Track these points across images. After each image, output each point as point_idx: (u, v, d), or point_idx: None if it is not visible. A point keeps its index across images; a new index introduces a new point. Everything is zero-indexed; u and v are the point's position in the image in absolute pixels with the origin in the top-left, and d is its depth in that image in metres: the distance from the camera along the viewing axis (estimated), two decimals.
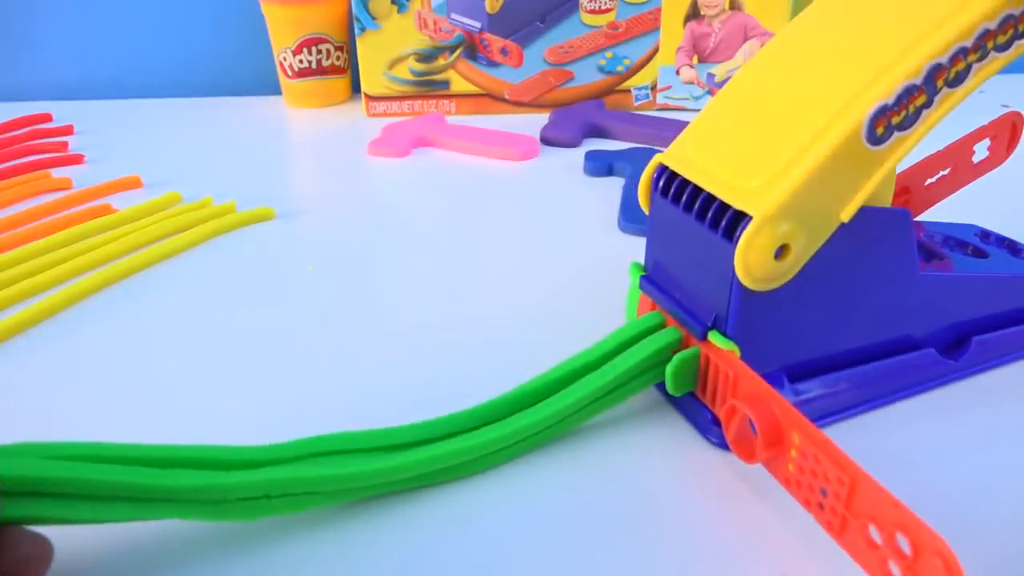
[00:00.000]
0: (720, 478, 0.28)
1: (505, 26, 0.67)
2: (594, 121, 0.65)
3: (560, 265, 0.44)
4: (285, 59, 0.70)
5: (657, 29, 0.67)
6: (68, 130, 0.66)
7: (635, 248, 0.46)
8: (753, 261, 0.26)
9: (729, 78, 0.67)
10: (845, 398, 0.31)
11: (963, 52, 0.27)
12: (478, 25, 0.67)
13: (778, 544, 0.25)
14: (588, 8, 0.66)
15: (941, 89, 0.27)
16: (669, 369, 0.30)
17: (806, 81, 0.29)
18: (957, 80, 0.27)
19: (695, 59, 0.67)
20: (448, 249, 0.46)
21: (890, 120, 0.26)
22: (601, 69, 0.69)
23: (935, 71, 0.27)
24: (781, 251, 0.26)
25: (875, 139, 0.26)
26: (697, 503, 0.27)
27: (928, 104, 0.27)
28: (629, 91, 0.69)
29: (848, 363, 0.31)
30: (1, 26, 0.74)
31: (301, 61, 0.70)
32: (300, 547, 0.25)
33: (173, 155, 0.62)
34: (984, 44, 0.27)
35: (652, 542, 0.25)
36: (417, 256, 0.46)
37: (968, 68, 0.27)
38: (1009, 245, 0.37)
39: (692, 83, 0.68)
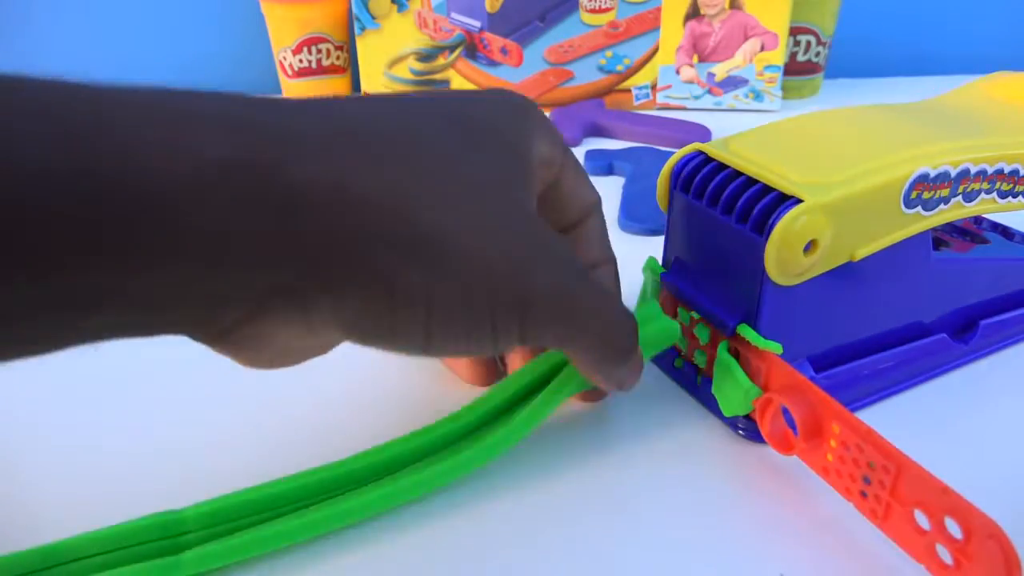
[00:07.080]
0: (749, 470, 0.28)
1: (505, 25, 0.67)
2: (594, 120, 0.65)
3: None
4: (285, 59, 0.70)
5: (657, 28, 0.67)
6: None
7: (635, 247, 0.46)
8: (785, 249, 0.26)
9: (730, 77, 0.68)
10: (867, 386, 0.31)
11: (983, 174, 0.29)
12: (478, 24, 0.67)
13: (808, 539, 0.26)
14: (588, 7, 0.66)
15: (958, 195, 0.29)
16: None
17: (877, 129, 0.30)
18: (968, 196, 0.29)
19: (695, 58, 0.68)
20: None
21: (923, 192, 0.28)
22: (601, 68, 0.69)
23: (964, 175, 0.28)
24: (810, 246, 0.26)
25: (908, 200, 0.27)
26: (728, 496, 0.27)
27: (945, 201, 0.29)
28: (629, 90, 0.70)
29: (866, 351, 0.31)
30: (0, 25, 0.73)
31: (301, 61, 0.70)
32: None
33: None
34: (995, 180, 0.29)
35: (678, 533, 0.26)
36: None
37: (978, 193, 0.29)
38: (1003, 231, 0.38)
39: (692, 82, 0.69)
